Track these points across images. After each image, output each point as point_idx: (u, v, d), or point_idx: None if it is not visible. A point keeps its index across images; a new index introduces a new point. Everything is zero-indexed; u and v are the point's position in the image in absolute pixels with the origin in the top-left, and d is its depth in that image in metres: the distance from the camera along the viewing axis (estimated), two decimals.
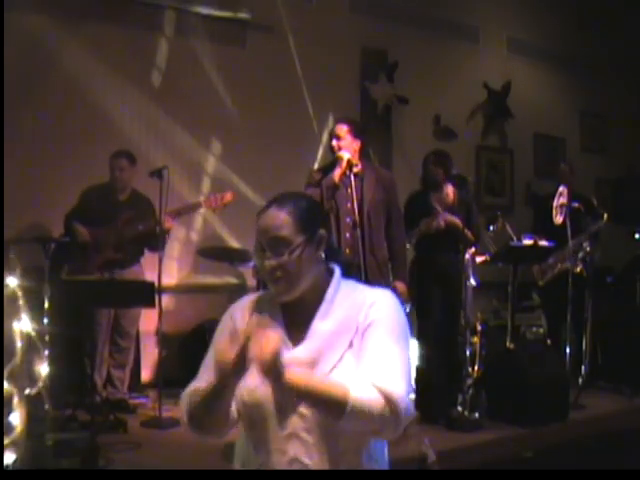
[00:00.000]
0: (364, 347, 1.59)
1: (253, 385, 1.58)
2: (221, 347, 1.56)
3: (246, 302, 1.74)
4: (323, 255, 1.68)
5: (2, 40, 4.72)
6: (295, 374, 1.51)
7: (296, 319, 1.66)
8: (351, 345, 1.60)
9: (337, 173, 3.96)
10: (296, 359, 1.56)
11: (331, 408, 1.50)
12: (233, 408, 1.63)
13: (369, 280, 3.97)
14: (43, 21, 5.10)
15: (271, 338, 1.49)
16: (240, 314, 1.70)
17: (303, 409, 1.56)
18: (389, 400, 1.50)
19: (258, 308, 1.69)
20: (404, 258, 4.28)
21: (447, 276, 4.59)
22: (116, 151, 4.80)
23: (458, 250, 4.58)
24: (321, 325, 1.62)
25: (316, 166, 4.10)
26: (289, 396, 1.55)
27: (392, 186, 4.22)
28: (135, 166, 4.79)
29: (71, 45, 5.21)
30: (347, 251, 3.98)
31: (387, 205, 4.14)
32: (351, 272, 1.71)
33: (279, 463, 1.57)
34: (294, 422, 1.56)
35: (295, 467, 1.56)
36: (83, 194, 4.76)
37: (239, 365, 1.54)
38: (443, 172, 4.68)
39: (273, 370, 1.49)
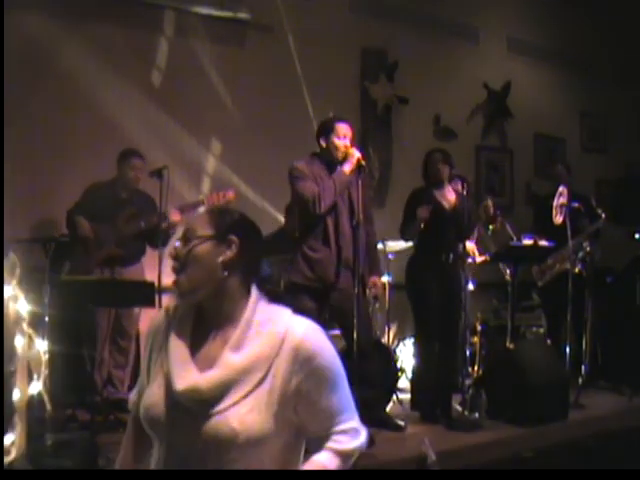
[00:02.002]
0: (313, 405, 1.58)
1: (150, 403, 1.59)
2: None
3: (162, 313, 1.73)
4: (239, 271, 1.62)
5: (2, 40, 4.72)
6: None
7: (205, 339, 1.62)
8: (259, 385, 1.53)
9: (348, 169, 3.97)
10: (197, 388, 1.53)
11: None
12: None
13: (363, 279, 4.02)
14: (43, 21, 5.10)
15: None
16: (156, 326, 1.71)
17: (196, 432, 1.53)
18: (353, 454, 1.65)
19: (172, 320, 1.67)
20: (377, 253, 4.49)
21: (447, 276, 4.59)
22: (127, 150, 4.80)
23: (457, 248, 4.58)
24: (232, 357, 1.55)
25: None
26: (185, 418, 1.54)
27: (369, 184, 4.29)
28: (146, 165, 4.79)
29: (71, 45, 5.20)
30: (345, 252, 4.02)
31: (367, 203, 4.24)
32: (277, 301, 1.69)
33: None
34: (187, 442, 1.55)
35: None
36: (87, 190, 4.76)
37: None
38: (444, 171, 4.69)
39: None
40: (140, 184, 4.83)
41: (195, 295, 1.61)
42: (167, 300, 1.74)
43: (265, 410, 1.52)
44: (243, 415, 1.50)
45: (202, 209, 1.74)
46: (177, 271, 1.62)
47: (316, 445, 1.63)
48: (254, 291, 1.65)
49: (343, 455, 1.61)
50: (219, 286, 1.61)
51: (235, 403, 1.52)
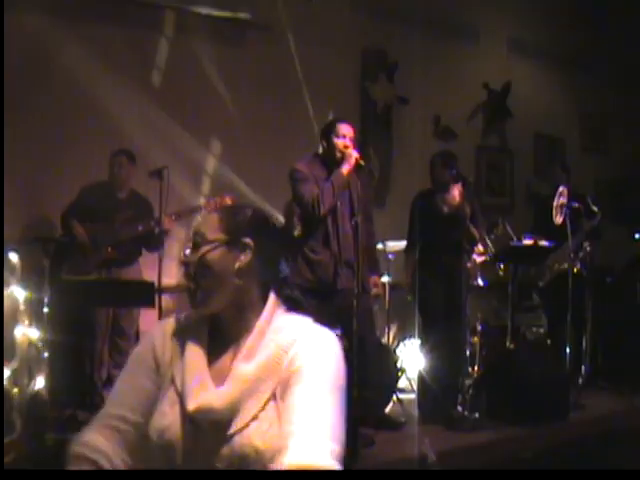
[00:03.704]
0: (288, 403, 1.41)
1: (163, 425, 1.44)
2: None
3: (169, 326, 1.56)
4: (255, 276, 1.50)
5: (2, 40, 4.72)
6: None
7: (222, 349, 1.50)
8: (274, 395, 1.42)
9: (346, 170, 3.96)
10: (211, 407, 1.41)
11: None
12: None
13: (362, 280, 4.01)
14: (43, 21, 5.09)
15: None
16: (160, 341, 1.54)
17: (217, 455, 1.40)
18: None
19: (182, 333, 1.52)
20: (377, 253, 4.52)
21: (450, 276, 4.60)
22: (117, 150, 4.81)
23: (462, 250, 4.59)
24: (243, 367, 1.44)
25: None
26: (204, 440, 1.41)
27: (370, 184, 4.30)
28: (134, 165, 4.80)
29: (71, 45, 5.20)
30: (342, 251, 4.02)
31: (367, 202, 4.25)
32: (300, 308, 1.58)
33: None
34: (207, 465, 1.41)
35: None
36: (82, 191, 4.76)
37: (152, 400, 1.47)
38: (450, 173, 4.69)
39: None
40: (136, 184, 4.83)
41: (211, 307, 1.49)
42: (167, 300, 1.62)
43: (280, 425, 1.41)
44: (265, 432, 1.39)
45: (204, 212, 1.63)
46: (189, 280, 1.49)
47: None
48: (271, 298, 1.53)
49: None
50: (235, 295, 1.49)
51: (254, 418, 1.40)
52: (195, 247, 1.49)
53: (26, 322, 3.65)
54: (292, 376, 1.43)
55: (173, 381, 1.48)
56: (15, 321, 3.62)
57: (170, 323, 1.57)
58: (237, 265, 1.48)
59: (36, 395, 3.56)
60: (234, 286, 1.48)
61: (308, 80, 6.19)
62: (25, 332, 3.62)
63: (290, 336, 1.47)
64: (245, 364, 1.45)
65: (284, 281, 1.60)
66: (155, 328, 1.59)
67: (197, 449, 1.42)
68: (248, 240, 1.50)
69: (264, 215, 1.60)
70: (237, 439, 1.39)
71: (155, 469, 1.47)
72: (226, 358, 1.49)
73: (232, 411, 1.41)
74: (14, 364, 3.51)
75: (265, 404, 1.42)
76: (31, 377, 3.64)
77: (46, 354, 3.71)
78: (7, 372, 3.44)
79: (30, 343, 3.69)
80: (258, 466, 1.39)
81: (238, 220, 1.52)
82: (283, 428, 1.39)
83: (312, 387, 1.41)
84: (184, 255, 1.51)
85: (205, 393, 1.43)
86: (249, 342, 1.47)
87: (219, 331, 1.52)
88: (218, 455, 1.40)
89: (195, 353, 1.48)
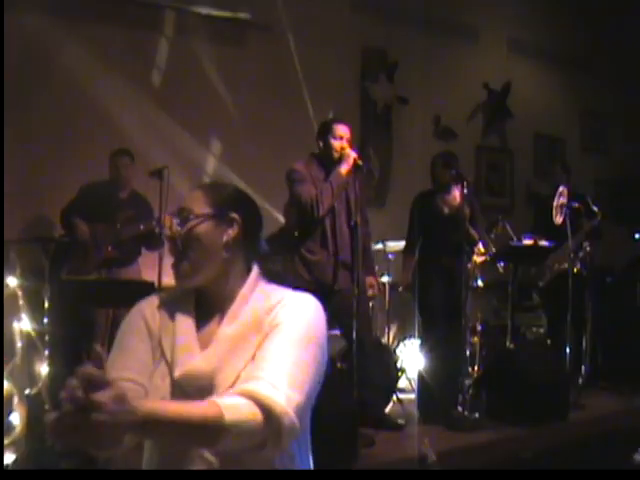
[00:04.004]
0: (260, 353, 1.43)
1: (158, 397, 1.45)
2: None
3: (155, 300, 1.59)
4: (241, 250, 1.54)
5: (2, 40, 4.72)
6: (142, 405, 1.21)
7: (208, 319, 1.53)
8: (260, 346, 1.45)
9: (344, 170, 3.96)
10: (197, 368, 1.43)
11: (202, 436, 1.31)
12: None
13: (359, 279, 4.00)
14: (43, 21, 5.10)
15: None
16: (150, 312, 1.55)
17: None
18: (269, 416, 1.32)
19: (169, 306, 1.55)
20: (372, 253, 4.51)
21: (450, 277, 4.60)
22: (116, 149, 4.81)
23: (461, 250, 4.59)
24: (227, 329, 1.48)
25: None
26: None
27: (367, 184, 4.30)
28: (134, 164, 4.82)
29: (71, 45, 5.20)
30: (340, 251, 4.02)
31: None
32: (281, 282, 1.60)
33: (181, 461, 1.43)
34: None
35: (198, 464, 1.41)
36: (82, 190, 4.76)
37: (148, 365, 1.48)
38: (450, 174, 4.69)
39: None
40: (136, 184, 4.84)
41: (197, 279, 1.51)
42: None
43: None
44: None
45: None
46: (176, 254, 1.52)
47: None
48: (255, 269, 1.57)
49: (266, 410, 1.31)
50: (222, 268, 1.52)
51: (238, 377, 1.41)
52: (182, 222, 1.51)
53: (26, 322, 3.65)
54: (271, 330, 1.46)
55: (163, 354, 1.50)
56: (15, 321, 3.62)
57: (156, 298, 1.59)
58: (225, 239, 1.52)
59: (36, 395, 3.56)
60: (221, 259, 1.51)
61: (308, 80, 6.19)
62: (25, 332, 3.62)
63: (273, 300, 1.51)
64: (229, 325, 1.49)
65: (265, 256, 1.64)
66: (142, 303, 1.59)
67: None
68: (235, 215, 1.53)
69: (246, 193, 1.63)
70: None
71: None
72: (212, 325, 1.52)
73: (216, 373, 1.43)
74: (14, 364, 3.51)
75: (247, 363, 1.44)
76: (31, 377, 3.64)
77: (46, 354, 3.71)
78: (7, 372, 3.44)
79: (30, 343, 3.69)
80: None
81: (223, 195, 1.56)
82: (251, 374, 1.39)
83: (285, 339, 1.43)
84: (170, 229, 1.52)
85: (191, 358, 1.45)
86: (233, 307, 1.51)
87: (205, 303, 1.54)
88: None
89: (184, 325, 1.51)
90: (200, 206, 1.52)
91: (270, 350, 1.42)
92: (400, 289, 5.14)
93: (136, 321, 1.55)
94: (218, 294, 1.54)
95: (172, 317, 1.53)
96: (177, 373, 1.44)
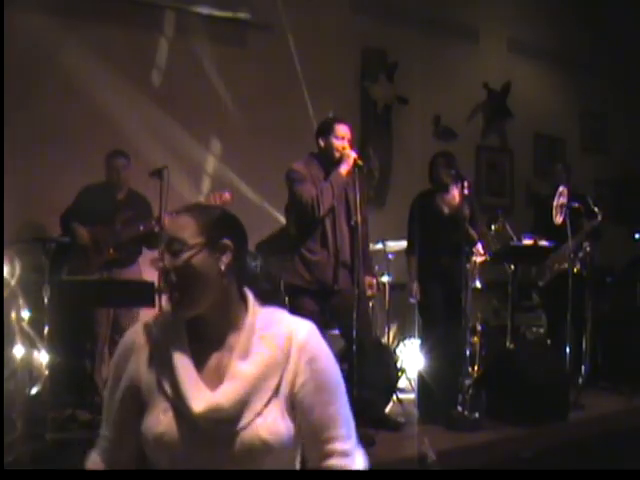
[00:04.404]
0: (310, 411, 1.50)
1: (158, 432, 1.46)
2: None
3: (139, 331, 1.56)
4: (234, 275, 1.53)
5: (2, 40, 4.72)
6: None
7: (206, 349, 1.51)
8: (277, 391, 1.48)
9: (345, 170, 3.96)
10: (219, 407, 1.43)
11: None
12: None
13: (359, 280, 4.00)
14: (43, 21, 5.10)
15: None
16: (134, 347, 1.54)
17: (222, 452, 1.44)
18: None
19: (161, 336, 1.53)
20: (370, 254, 4.46)
21: (450, 277, 4.60)
22: (112, 151, 4.80)
23: (461, 250, 4.59)
24: (243, 366, 1.47)
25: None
26: (205, 439, 1.44)
27: (367, 184, 4.29)
28: (131, 165, 4.82)
29: (71, 45, 5.20)
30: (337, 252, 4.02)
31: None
32: (270, 301, 1.62)
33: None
34: (213, 465, 1.45)
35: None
36: (80, 193, 4.76)
37: (135, 408, 1.50)
38: (450, 174, 4.70)
39: None
40: (136, 184, 4.84)
41: (197, 309, 1.50)
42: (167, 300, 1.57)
43: (287, 416, 1.48)
44: (270, 425, 1.44)
45: (173, 216, 1.57)
46: (172, 287, 1.48)
47: (309, 459, 1.56)
48: (250, 294, 1.57)
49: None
50: (219, 295, 1.51)
51: (258, 414, 1.45)
52: (175, 253, 1.49)
53: (26, 322, 3.66)
54: (300, 375, 1.50)
55: (161, 387, 1.49)
56: (15, 321, 3.62)
57: (144, 328, 1.57)
58: (220, 266, 1.50)
59: (36, 395, 3.57)
60: (219, 287, 1.51)
61: (308, 80, 6.19)
62: (25, 331, 3.62)
63: (284, 328, 1.53)
64: (244, 363, 1.48)
65: (254, 274, 1.65)
66: (130, 332, 1.58)
67: (200, 449, 1.45)
68: (227, 241, 1.51)
69: (232, 214, 1.61)
70: (244, 434, 1.43)
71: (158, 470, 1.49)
72: (217, 356, 1.51)
73: (238, 408, 1.44)
74: (14, 364, 3.51)
75: (268, 401, 1.46)
76: (31, 377, 3.65)
77: (46, 354, 3.71)
78: (7, 372, 3.44)
79: (30, 343, 3.69)
80: (266, 458, 1.44)
81: (213, 221, 1.53)
82: (312, 426, 1.50)
83: (331, 393, 1.53)
84: (163, 262, 1.50)
85: (205, 394, 1.45)
86: (242, 340, 1.50)
87: (199, 330, 1.53)
88: (223, 452, 1.43)
89: (180, 355, 1.49)
90: (192, 235, 1.49)
91: (319, 405, 1.51)
92: (413, 300, 5.00)
93: (122, 355, 1.56)
94: (215, 322, 1.53)
95: (166, 349, 1.50)
96: (197, 408, 1.43)
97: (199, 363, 1.50)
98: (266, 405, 1.46)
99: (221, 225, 1.54)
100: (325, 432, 1.51)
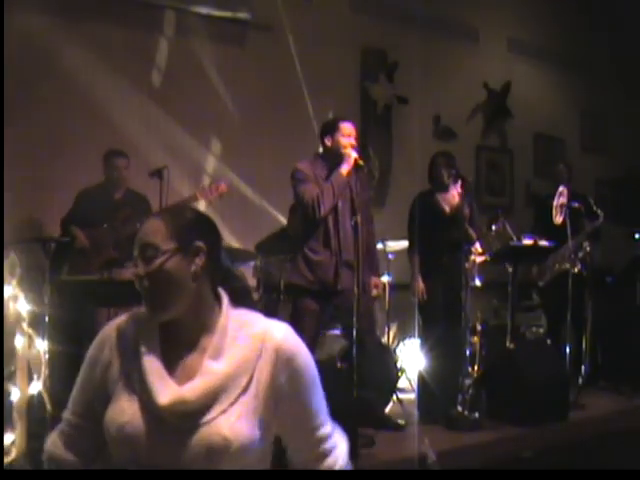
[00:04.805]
0: (294, 405, 1.54)
1: (122, 421, 1.47)
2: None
3: (116, 325, 1.59)
4: (208, 276, 1.54)
5: (2, 40, 4.72)
6: None
7: (178, 350, 1.53)
8: (246, 390, 1.48)
9: (345, 170, 3.96)
10: (184, 400, 1.44)
11: None
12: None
13: (362, 280, 4.00)
14: (43, 21, 5.10)
15: None
16: (109, 340, 1.57)
17: (183, 445, 1.45)
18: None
19: (132, 331, 1.56)
20: (377, 253, 4.47)
21: (450, 276, 4.61)
22: (110, 151, 4.81)
23: (461, 249, 4.59)
24: (214, 364, 1.48)
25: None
26: (167, 432, 1.46)
27: (369, 183, 4.30)
28: (128, 164, 4.83)
29: (71, 45, 5.20)
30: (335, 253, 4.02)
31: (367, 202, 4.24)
32: (246, 302, 1.63)
33: None
34: (172, 458, 1.45)
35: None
36: (78, 197, 4.77)
37: (101, 398, 1.53)
38: (450, 173, 4.70)
39: None
40: (135, 184, 4.84)
41: (171, 312, 1.51)
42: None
43: (253, 416, 1.48)
44: (233, 423, 1.45)
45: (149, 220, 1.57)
46: (146, 293, 1.51)
47: (298, 451, 1.60)
48: (224, 295, 1.58)
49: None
50: (192, 298, 1.52)
51: (223, 411, 1.45)
52: (148, 259, 1.50)
53: (26, 322, 3.65)
54: (279, 374, 1.51)
55: (129, 380, 1.51)
56: (15, 321, 3.62)
57: (119, 322, 1.60)
58: (193, 269, 1.51)
59: (36, 395, 3.56)
60: (191, 290, 1.51)
61: (308, 80, 6.19)
62: (25, 331, 3.62)
63: (258, 329, 1.54)
64: (215, 362, 1.49)
65: (228, 273, 1.63)
66: (105, 329, 1.61)
67: (162, 441, 1.46)
68: (200, 243, 1.52)
69: (205, 215, 1.63)
70: (205, 429, 1.44)
71: (121, 463, 1.50)
72: (189, 356, 1.52)
73: (203, 404, 1.45)
74: (14, 364, 3.51)
75: (235, 400, 1.47)
76: (31, 377, 3.64)
77: (46, 354, 3.71)
78: (7, 372, 3.43)
79: (30, 343, 3.69)
80: (225, 457, 1.44)
81: (185, 224, 1.53)
82: (297, 418, 1.56)
83: (308, 389, 1.56)
84: (137, 269, 1.52)
85: (172, 389, 1.46)
86: (215, 341, 1.51)
87: (171, 331, 1.54)
88: (184, 446, 1.44)
89: (149, 352, 1.51)
90: (164, 240, 1.50)
91: (303, 400, 1.55)
92: (416, 299, 4.98)
93: (92, 351, 1.59)
94: (188, 325, 1.54)
95: (137, 343, 1.53)
96: (163, 401, 1.45)
97: (169, 361, 1.51)
98: (232, 404, 1.47)
99: (193, 228, 1.54)
100: (309, 422, 1.57)
